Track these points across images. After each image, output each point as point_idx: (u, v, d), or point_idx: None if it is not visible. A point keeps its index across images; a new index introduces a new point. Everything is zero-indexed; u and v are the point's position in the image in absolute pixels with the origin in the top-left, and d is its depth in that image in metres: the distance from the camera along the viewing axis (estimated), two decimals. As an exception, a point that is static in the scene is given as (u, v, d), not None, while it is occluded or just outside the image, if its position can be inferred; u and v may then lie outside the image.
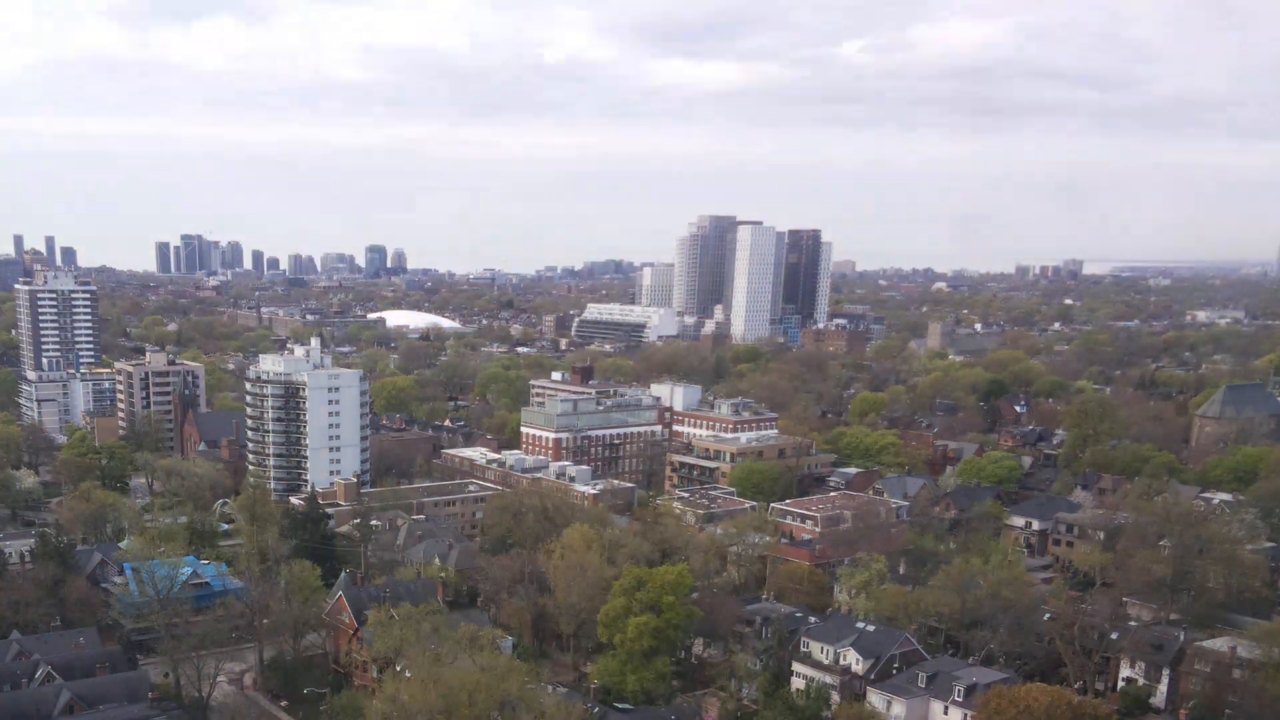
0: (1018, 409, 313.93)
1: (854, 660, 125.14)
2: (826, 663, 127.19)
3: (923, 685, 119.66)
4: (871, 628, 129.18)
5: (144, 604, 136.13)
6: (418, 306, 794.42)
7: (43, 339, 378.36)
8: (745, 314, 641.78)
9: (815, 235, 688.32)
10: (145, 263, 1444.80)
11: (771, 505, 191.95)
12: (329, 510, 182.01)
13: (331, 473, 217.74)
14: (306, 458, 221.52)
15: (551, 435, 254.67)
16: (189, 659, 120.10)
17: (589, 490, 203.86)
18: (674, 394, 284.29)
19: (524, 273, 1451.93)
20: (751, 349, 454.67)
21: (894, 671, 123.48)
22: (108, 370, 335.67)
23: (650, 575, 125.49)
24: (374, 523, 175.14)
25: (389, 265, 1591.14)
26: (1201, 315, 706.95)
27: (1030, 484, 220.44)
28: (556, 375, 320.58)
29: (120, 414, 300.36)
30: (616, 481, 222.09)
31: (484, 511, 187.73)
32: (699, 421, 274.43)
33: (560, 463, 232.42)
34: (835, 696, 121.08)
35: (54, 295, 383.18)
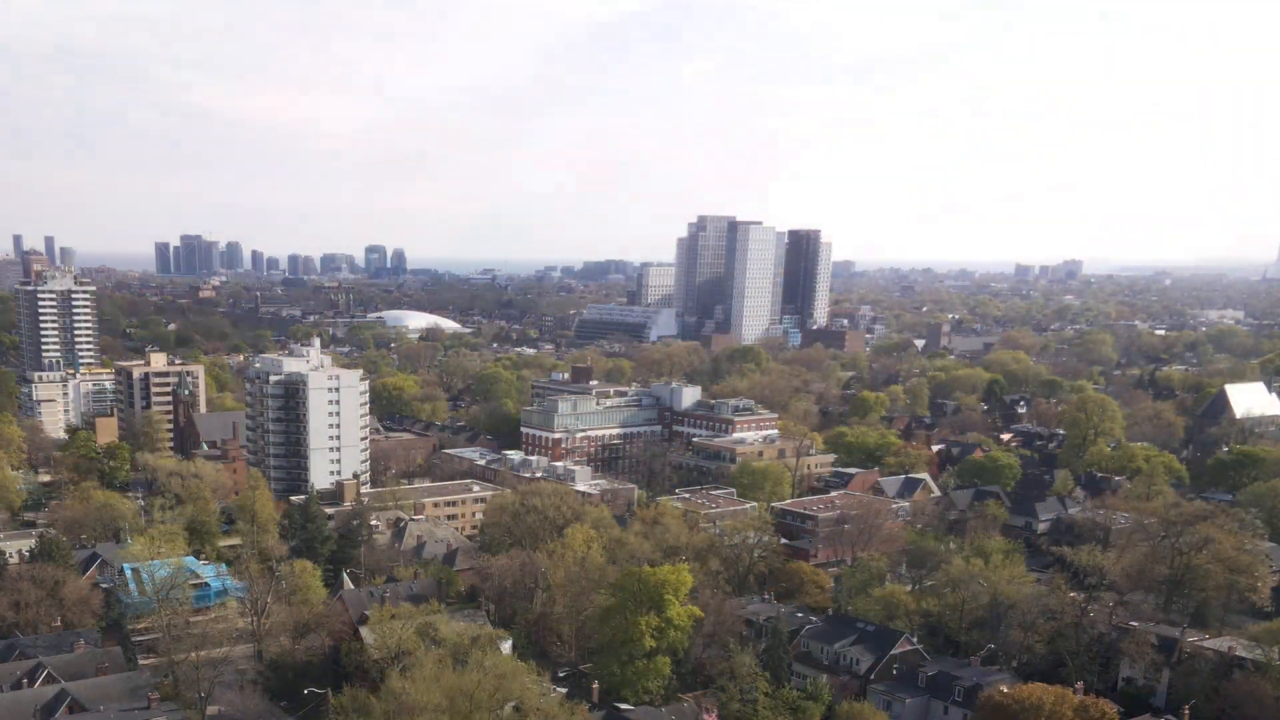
0: (1018, 409, 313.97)
1: (854, 660, 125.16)
2: (826, 663, 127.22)
3: (923, 685, 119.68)
4: (871, 628, 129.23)
5: (144, 604, 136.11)
6: (418, 306, 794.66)
7: (43, 339, 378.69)
8: (745, 314, 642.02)
9: (815, 235, 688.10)
10: (145, 263, 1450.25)
11: (771, 505, 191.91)
12: (329, 510, 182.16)
13: (331, 473, 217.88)
14: (306, 458, 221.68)
15: (551, 435, 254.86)
16: (189, 659, 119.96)
17: (589, 490, 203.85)
18: (674, 394, 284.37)
19: (524, 273, 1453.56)
20: (751, 349, 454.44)
21: (894, 671, 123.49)
22: (107, 370, 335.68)
23: (650, 575, 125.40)
24: (374, 523, 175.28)
25: (388, 265, 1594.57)
26: (1202, 315, 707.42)
27: (1030, 484, 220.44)
28: (556, 375, 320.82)
29: (119, 414, 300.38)
30: (616, 482, 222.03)
31: (484, 511, 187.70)
32: (699, 421, 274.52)
33: (560, 463, 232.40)
34: (835, 696, 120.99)
35: (54, 295, 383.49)
